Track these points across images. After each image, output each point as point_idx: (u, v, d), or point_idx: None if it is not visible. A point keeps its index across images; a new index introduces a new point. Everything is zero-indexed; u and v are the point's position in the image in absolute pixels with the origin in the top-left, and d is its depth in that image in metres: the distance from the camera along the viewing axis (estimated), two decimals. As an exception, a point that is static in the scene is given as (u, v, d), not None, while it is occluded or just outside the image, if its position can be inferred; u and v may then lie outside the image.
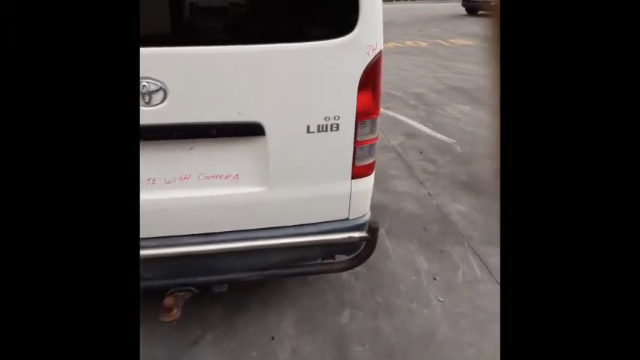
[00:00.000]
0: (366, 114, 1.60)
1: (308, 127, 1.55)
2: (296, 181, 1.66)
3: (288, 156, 1.60)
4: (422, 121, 4.73)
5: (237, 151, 1.59)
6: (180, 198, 1.59)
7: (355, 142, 1.63)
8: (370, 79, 1.55)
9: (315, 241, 1.70)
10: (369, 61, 1.51)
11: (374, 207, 2.95)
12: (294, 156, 1.61)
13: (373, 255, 2.40)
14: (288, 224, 1.73)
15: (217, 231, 1.69)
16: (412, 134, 4.36)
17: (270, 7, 1.50)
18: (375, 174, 3.37)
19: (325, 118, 1.55)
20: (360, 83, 1.53)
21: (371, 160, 1.73)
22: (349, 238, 1.73)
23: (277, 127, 1.54)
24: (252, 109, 1.50)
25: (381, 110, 4.75)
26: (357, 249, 1.81)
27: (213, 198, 1.62)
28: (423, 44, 10.25)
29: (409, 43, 10.45)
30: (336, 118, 1.56)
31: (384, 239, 2.60)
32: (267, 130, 1.53)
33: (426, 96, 5.75)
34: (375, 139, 1.70)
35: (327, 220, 1.77)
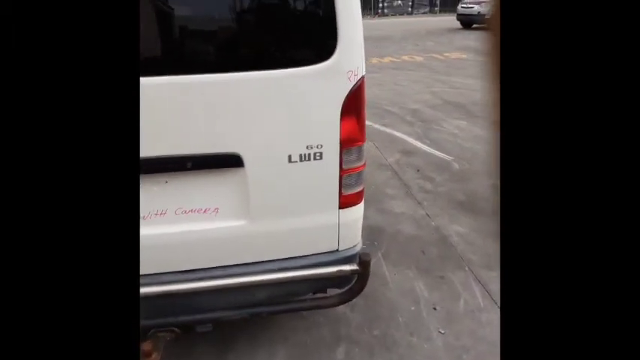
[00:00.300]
0: (350, 141, 1.51)
1: (289, 156, 1.46)
2: (279, 213, 1.56)
3: (270, 187, 1.51)
4: (419, 138, 4.65)
5: (216, 184, 1.49)
6: (156, 234, 1.49)
7: (341, 170, 1.54)
8: (353, 105, 1.47)
9: (302, 275, 1.59)
10: (350, 87, 1.43)
11: (370, 229, 2.87)
12: (276, 187, 1.51)
13: (370, 283, 2.29)
14: (274, 258, 1.62)
15: (198, 268, 1.58)
16: (409, 151, 4.27)
17: (245, 34, 1.42)
18: (372, 194, 3.33)
19: (308, 147, 1.46)
20: (342, 110, 1.45)
21: (359, 189, 1.63)
22: (339, 271, 1.62)
23: (256, 157, 1.45)
24: (229, 139, 1.41)
25: (377, 127, 4.67)
26: (349, 282, 1.70)
27: (192, 233, 1.52)
28: (419, 59, 10.26)
29: (405, 57, 10.47)
30: (319, 146, 1.47)
31: (381, 265, 2.48)
32: (245, 161, 1.44)
33: (422, 112, 5.68)
34: (362, 166, 1.61)
35: (316, 252, 1.66)
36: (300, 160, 1.47)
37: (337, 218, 1.62)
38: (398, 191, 3.39)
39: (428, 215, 3.02)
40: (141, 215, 1.48)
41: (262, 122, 1.41)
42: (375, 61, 9.96)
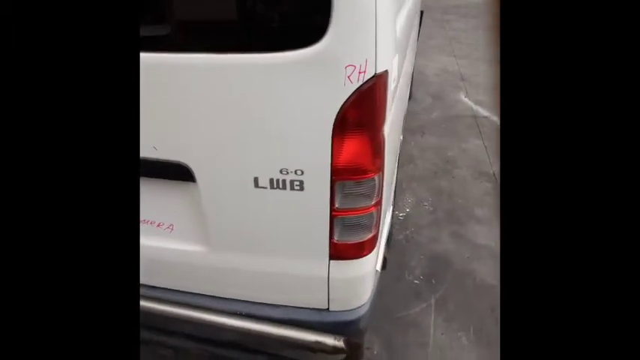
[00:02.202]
0: (351, 171, 1.00)
1: (256, 179, 1.03)
2: (247, 246, 1.16)
3: (232, 213, 1.11)
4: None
5: (167, 196, 1.16)
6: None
7: (332, 209, 1.04)
8: (358, 118, 0.94)
9: (268, 332, 1.19)
10: (351, 90, 0.90)
11: (433, 259, 2.24)
12: (238, 214, 1.10)
13: (404, 334, 1.78)
14: (241, 299, 1.25)
15: (154, 285, 1.30)
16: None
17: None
18: (452, 209, 2.64)
19: (282, 171, 1.01)
20: (336, 124, 0.94)
21: (364, 237, 1.12)
22: (317, 343, 1.17)
23: (211, 173, 1.06)
24: (173, 145, 1.04)
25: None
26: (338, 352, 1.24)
27: (146, 248, 1.22)
28: None
29: None
30: (299, 172, 1.00)
31: (429, 314, 1.91)
32: (197, 175, 1.06)
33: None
34: (373, 207, 1.08)
35: (298, 305, 1.23)
36: (272, 187, 1.03)
37: (327, 271, 1.14)
38: (491, 214, 2.63)
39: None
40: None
41: (216, 127, 0.99)
42: None
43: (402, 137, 2.35)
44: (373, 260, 1.20)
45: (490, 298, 1.99)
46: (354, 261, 1.15)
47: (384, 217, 1.44)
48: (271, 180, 1.02)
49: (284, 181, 1.01)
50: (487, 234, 2.44)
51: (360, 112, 0.94)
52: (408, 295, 2.01)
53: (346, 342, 1.15)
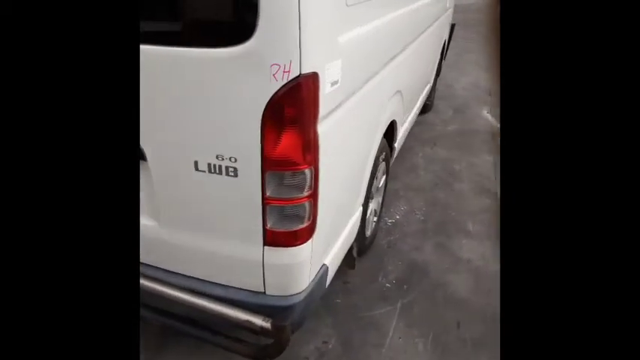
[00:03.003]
0: (281, 163, 1.08)
1: (196, 163, 1.14)
2: (191, 226, 1.27)
3: (176, 193, 1.23)
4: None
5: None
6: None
7: (264, 198, 1.13)
8: (284, 113, 1.02)
9: (204, 306, 1.29)
10: (277, 87, 0.98)
11: (411, 267, 2.27)
12: (183, 194, 1.22)
13: (364, 336, 1.83)
14: (189, 274, 1.36)
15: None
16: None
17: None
18: (442, 221, 2.64)
19: (218, 157, 1.11)
20: (265, 118, 1.02)
21: (300, 226, 1.19)
22: (248, 322, 1.25)
23: (159, 154, 1.18)
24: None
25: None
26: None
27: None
28: None
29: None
30: (232, 159, 1.09)
31: (391, 317, 1.94)
32: (147, 155, 1.18)
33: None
34: (305, 198, 1.16)
35: (238, 286, 1.32)
36: (209, 171, 1.13)
37: (261, 256, 1.23)
38: (483, 230, 2.60)
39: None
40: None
41: (162, 112, 1.11)
42: None
43: (396, 146, 2.39)
44: (308, 250, 1.26)
45: (457, 312, 1.98)
46: (289, 249, 1.23)
47: (338, 211, 1.50)
48: (209, 165, 1.12)
49: (220, 166, 1.11)
50: (473, 249, 2.42)
51: (287, 109, 1.02)
52: (377, 296, 2.05)
53: (273, 324, 1.23)
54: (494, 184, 3.11)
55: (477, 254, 2.39)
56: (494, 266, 2.29)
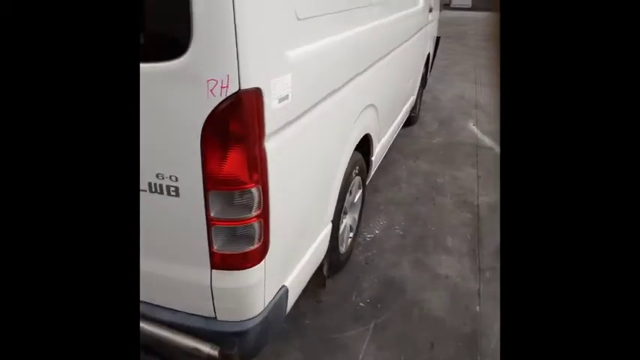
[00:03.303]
0: (223, 182, 1.03)
1: (136, 182, 1.07)
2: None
3: (120, 214, 1.15)
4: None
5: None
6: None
7: (209, 218, 1.07)
8: (226, 131, 0.97)
9: (152, 332, 1.22)
10: (215, 103, 0.93)
11: (386, 284, 2.19)
12: (126, 215, 1.14)
13: (330, 355, 1.75)
14: (145, 300, 1.28)
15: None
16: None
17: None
18: (420, 236, 2.57)
19: (158, 176, 1.05)
20: (204, 134, 0.97)
21: (247, 248, 1.13)
22: (195, 349, 1.18)
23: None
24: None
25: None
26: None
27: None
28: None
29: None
30: (173, 178, 1.04)
31: (363, 339, 1.87)
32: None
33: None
34: (255, 218, 1.10)
35: (187, 311, 1.25)
36: (150, 191, 1.07)
37: (209, 280, 1.16)
38: (463, 246, 2.55)
39: (480, 295, 2.17)
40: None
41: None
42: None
43: (374, 159, 2.34)
44: (261, 272, 1.20)
45: (432, 332, 1.91)
46: (239, 272, 1.16)
47: (298, 230, 1.44)
48: (149, 184, 1.06)
49: (160, 185, 1.05)
50: (451, 265, 2.36)
51: (228, 125, 0.97)
52: (349, 316, 1.98)
53: (221, 352, 1.16)
54: (476, 197, 3.06)
55: (453, 270, 2.33)
56: (473, 283, 2.23)
